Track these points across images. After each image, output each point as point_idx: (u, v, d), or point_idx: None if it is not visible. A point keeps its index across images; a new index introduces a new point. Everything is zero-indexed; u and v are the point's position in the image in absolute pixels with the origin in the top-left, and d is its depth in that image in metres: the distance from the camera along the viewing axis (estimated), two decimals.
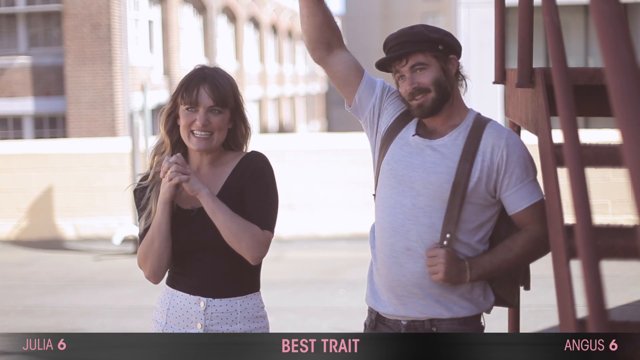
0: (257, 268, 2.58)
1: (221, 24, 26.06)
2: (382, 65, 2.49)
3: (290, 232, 9.47)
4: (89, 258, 9.13)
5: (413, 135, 2.47)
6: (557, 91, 1.95)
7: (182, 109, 2.50)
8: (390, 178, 2.47)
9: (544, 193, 2.34)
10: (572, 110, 1.89)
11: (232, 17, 27.31)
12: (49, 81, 17.96)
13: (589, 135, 9.06)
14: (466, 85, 2.50)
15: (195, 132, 2.48)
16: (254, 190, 2.51)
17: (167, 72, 20.70)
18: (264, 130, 29.49)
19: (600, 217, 8.85)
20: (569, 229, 2.01)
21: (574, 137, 1.83)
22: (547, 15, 2.17)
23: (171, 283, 2.59)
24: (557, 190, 2.10)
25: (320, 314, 6.47)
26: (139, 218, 2.60)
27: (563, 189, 2.01)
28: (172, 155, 2.51)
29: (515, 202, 2.39)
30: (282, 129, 32.89)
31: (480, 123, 2.46)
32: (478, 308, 2.44)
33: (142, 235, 2.57)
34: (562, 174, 1.99)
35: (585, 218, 1.69)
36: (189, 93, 2.47)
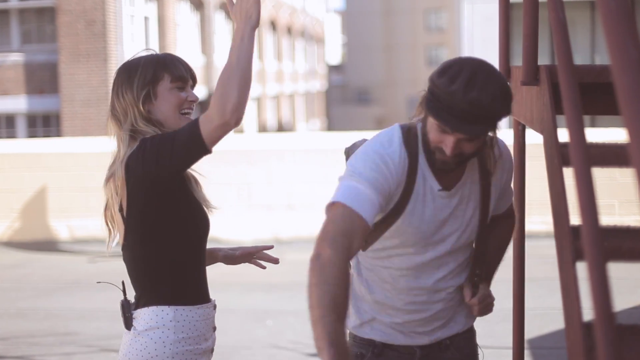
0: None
1: (219, 20, 26.06)
2: (437, 117, 2.09)
3: (289, 233, 9.48)
4: (84, 260, 9.13)
5: (439, 190, 2.27)
6: (563, 89, 1.95)
7: (167, 87, 2.40)
8: (419, 238, 2.32)
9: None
10: (579, 109, 1.89)
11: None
12: (42, 79, 17.96)
13: (596, 134, 9.06)
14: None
15: (185, 110, 2.44)
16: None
17: None
18: (262, 129, 29.50)
19: (607, 218, 8.85)
20: (575, 230, 2.01)
21: (580, 136, 1.83)
22: (552, 11, 2.17)
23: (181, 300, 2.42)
24: (563, 191, 2.10)
25: None
26: None
27: (569, 189, 2.01)
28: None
29: (505, 203, 2.49)
30: (281, 128, 32.89)
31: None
32: (471, 321, 2.53)
33: None
34: (568, 173, 1.99)
35: (591, 219, 1.69)
36: (178, 70, 2.42)
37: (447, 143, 2.11)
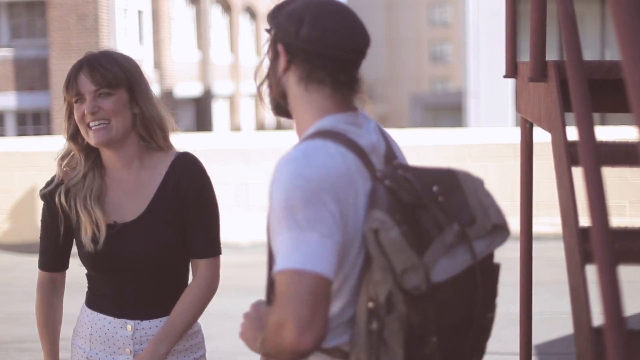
0: (185, 283, 2.44)
1: (215, 14, 26.07)
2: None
3: None
4: (75, 262, 9.12)
5: None
6: (572, 86, 1.95)
7: (73, 105, 2.33)
8: None
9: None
10: (588, 106, 1.89)
11: (226, 6, 27.31)
12: (32, 75, 17.97)
13: (606, 133, 9.06)
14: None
15: (90, 124, 2.29)
16: (199, 212, 2.35)
17: (157, 65, 20.70)
18: (260, 127, 29.50)
19: (617, 219, 8.85)
20: (584, 231, 2.02)
21: (589, 134, 1.83)
22: (560, 5, 2.17)
23: (91, 305, 2.45)
24: (572, 191, 2.11)
25: None
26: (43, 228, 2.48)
27: (578, 190, 2.01)
28: (84, 161, 2.36)
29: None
30: (279, 126, 32.87)
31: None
32: None
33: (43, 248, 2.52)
34: (577, 173, 1.99)
35: (601, 220, 1.69)
36: (70, 84, 2.31)
37: None
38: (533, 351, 3.95)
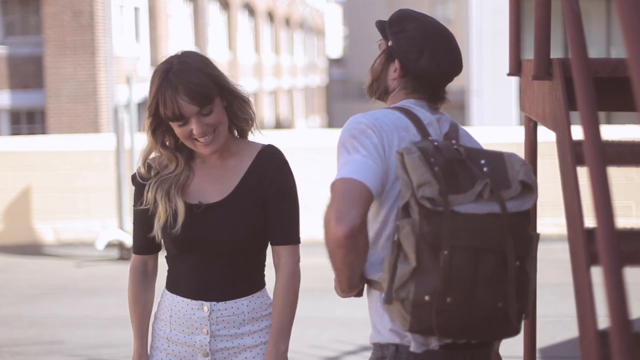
0: (262, 264, 2.62)
1: (213, 11, 26.07)
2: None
3: None
4: (70, 264, 9.13)
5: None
6: (577, 84, 1.95)
7: (172, 124, 2.45)
8: None
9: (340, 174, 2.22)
10: (593, 105, 1.89)
11: (224, 3, 27.32)
12: (26, 73, 17.97)
13: (611, 132, 9.06)
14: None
15: (197, 141, 2.45)
16: (283, 202, 2.55)
17: (154, 63, 20.68)
18: (260, 125, 29.49)
19: (623, 220, 8.85)
20: (590, 233, 2.02)
21: (595, 133, 1.83)
22: (565, 1, 2.17)
23: (171, 287, 2.61)
24: (577, 191, 2.11)
25: (320, 324, 6.47)
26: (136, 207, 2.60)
27: (583, 190, 2.01)
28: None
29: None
30: (279, 125, 32.90)
31: None
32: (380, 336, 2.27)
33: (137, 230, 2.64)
34: (582, 173, 1.99)
35: (607, 221, 1.69)
36: (169, 110, 2.40)
37: None
38: (537, 355, 3.96)
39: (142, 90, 18.34)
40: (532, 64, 2.68)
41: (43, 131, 17.66)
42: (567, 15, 2.14)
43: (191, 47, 23.46)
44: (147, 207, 2.54)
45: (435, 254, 2.04)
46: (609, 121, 13.92)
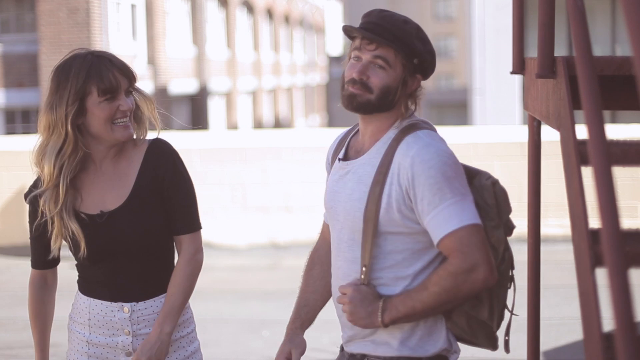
0: (173, 261, 2.67)
1: (211, 8, 26.07)
2: (348, 32, 2.34)
3: (287, 238, 9.48)
4: (66, 266, 9.12)
5: (339, 160, 2.40)
6: (581, 82, 1.95)
7: (96, 102, 2.47)
8: (327, 212, 2.46)
9: (469, 219, 2.19)
10: (598, 104, 1.89)
11: (223, 0, 27.32)
12: (21, 71, 17.97)
13: (616, 131, 9.06)
14: (415, 109, 2.37)
15: (118, 120, 2.50)
16: (176, 193, 2.58)
17: (151, 61, 20.70)
18: (258, 125, 29.51)
19: (628, 221, 8.85)
20: (594, 234, 2.02)
21: (599, 132, 1.83)
22: None
23: (86, 291, 2.66)
24: (582, 192, 2.11)
25: (320, 327, 6.45)
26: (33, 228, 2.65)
27: (588, 190, 2.01)
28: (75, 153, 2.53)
29: (433, 232, 2.21)
30: (278, 124, 32.90)
31: (401, 135, 2.29)
32: (412, 351, 2.32)
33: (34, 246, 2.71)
34: (587, 173, 1.99)
35: (612, 222, 1.69)
36: (106, 82, 2.46)
37: (356, 65, 2.29)
38: (541, 358, 3.96)
39: None
40: (536, 62, 2.68)
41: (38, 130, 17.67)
42: (571, 12, 2.14)
43: (189, 45, 23.46)
44: (43, 222, 2.58)
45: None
46: (614, 120, 13.92)
